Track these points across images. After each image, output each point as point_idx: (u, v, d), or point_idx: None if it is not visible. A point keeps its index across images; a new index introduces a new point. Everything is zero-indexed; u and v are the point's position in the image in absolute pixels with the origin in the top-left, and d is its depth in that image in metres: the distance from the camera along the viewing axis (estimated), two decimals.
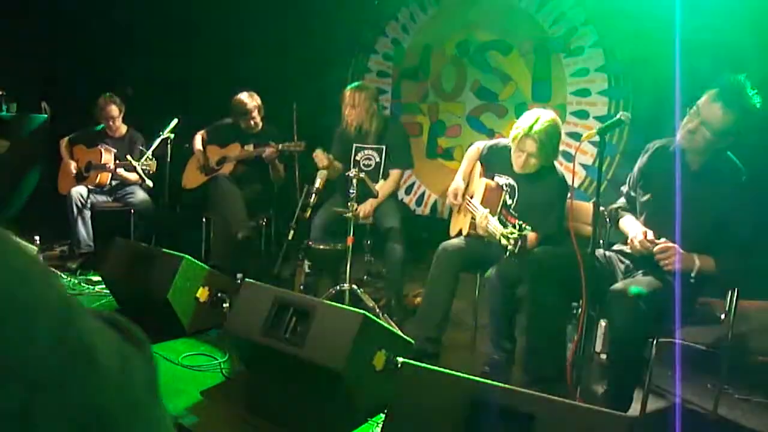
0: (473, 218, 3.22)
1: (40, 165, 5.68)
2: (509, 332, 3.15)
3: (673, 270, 2.44)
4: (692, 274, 2.51)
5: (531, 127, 3.03)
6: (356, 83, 4.27)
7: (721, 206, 2.53)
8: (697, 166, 2.62)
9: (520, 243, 2.60)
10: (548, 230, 3.09)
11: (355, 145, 4.26)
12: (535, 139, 3.04)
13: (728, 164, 2.59)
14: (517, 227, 2.64)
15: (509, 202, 3.16)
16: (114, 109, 5.07)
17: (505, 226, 2.78)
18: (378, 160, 4.22)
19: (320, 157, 3.97)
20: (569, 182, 3.25)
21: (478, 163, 3.53)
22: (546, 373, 2.68)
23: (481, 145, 3.57)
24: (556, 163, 3.28)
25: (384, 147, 4.20)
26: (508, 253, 2.64)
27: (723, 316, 2.66)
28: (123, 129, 5.22)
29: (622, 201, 3.00)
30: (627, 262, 2.77)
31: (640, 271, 2.65)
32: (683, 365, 3.23)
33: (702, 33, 4.25)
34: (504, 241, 2.65)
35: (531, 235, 3.00)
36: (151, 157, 4.67)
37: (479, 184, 3.33)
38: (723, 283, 2.57)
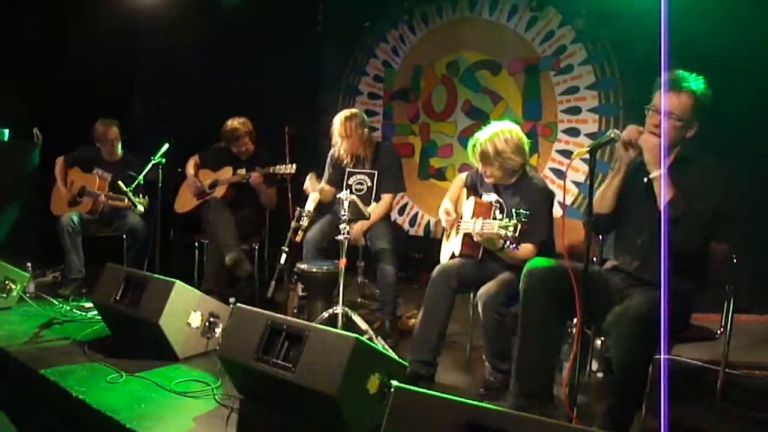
0: (466, 235, 3.23)
1: (25, 196, 5.63)
2: (505, 352, 3.12)
3: None
4: None
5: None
6: (346, 112, 4.21)
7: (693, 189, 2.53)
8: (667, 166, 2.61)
9: (519, 227, 2.67)
10: (541, 237, 3.12)
11: (347, 169, 4.27)
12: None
13: (695, 156, 2.63)
14: (512, 215, 2.72)
15: (499, 216, 3.17)
16: (114, 132, 5.08)
17: (498, 219, 2.86)
18: (370, 184, 4.22)
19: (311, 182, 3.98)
20: (552, 192, 3.30)
21: (464, 190, 3.57)
22: (535, 391, 2.67)
23: (465, 174, 3.66)
24: (535, 173, 3.34)
25: (376, 172, 4.21)
26: (508, 242, 2.71)
27: (719, 332, 2.64)
28: (120, 153, 5.21)
29: None
30: (617, 278, 2.76)
31: (634, 289, 2.63)
32: (680, 383, 3.21)
33: (692, 46, 4.28)
34: (503, 232, 2.71)
35: (527, 246, 3.06)
36: (143, 195, 4.66)
37: (468, 204, 3.36)
38: None
